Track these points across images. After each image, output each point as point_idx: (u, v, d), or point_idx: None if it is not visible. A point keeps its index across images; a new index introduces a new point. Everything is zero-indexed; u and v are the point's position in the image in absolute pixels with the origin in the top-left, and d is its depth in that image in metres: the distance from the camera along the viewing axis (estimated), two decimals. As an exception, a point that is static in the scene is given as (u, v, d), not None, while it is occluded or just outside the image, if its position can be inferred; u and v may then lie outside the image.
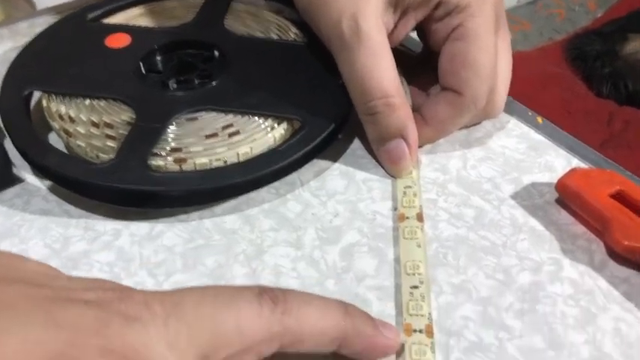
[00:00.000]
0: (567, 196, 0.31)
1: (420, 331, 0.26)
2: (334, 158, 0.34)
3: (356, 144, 0.35)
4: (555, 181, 0.32)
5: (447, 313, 0.27)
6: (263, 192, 0.32)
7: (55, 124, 0.33)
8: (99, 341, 0.19)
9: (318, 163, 0.34)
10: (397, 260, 0.29)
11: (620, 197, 0.30)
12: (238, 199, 0.32)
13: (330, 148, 0.34)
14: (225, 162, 0.31)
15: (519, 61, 0.36)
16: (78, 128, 0.32)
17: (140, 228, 0.31)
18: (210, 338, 0.21)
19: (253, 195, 0.32)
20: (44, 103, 0.34)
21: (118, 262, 0.29)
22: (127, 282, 0.28)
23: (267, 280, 0.28)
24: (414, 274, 0.28)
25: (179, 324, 0.21)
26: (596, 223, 0.30)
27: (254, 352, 0.23)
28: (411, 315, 0.27)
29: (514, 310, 0.27)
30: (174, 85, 0.36)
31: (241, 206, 0.32)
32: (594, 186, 0.30)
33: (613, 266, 0.29)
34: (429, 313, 0.27)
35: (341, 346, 0.24)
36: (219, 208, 0.32)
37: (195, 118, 0.33)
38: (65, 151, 0.33)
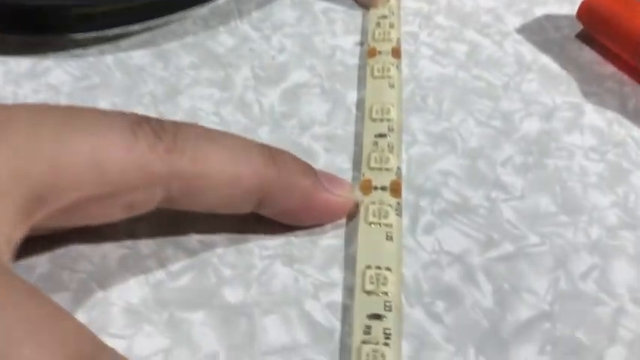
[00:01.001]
0: (593, 22, 0.23)
1: (383, 189, 0.19)
2: (287, -14, 0.26)
3: (317, -30, 0.27)
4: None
5: (420, 168, 0.19)
6: (188, 23, 0.24)
7: None
8: None
9: (264, -8, 0.26)
10: (359, 105, 0.22)
11: (668, 21, 0.22)
12: (153, 32, 0.24)
13: (282, -25, 0.26)
14: (134, -22, 0.23)
15: None
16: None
17: (21, 64, 0.23)
18: (49, 171, 0.14)
19: (174, 27, 0.24)
20: None
21: (-18, 104, 0.22)
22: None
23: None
24: (381, 120, 0.21)
25: (0, 147, 0.14)
26: (633, 56, 0.22)
27: (124, 201, 0.15)
28: (372, 169, 0.19)
29: (514, 165, 0.20)
30: None
31: (156, 40, 0.24)
32: (633, 7, 0.22)
33: (653, 112, 0.21)
34: (398, 168, 0.19)
35: (263, 203, 0.17)
36: (126, 41, 0.24)
37: None
38: None
